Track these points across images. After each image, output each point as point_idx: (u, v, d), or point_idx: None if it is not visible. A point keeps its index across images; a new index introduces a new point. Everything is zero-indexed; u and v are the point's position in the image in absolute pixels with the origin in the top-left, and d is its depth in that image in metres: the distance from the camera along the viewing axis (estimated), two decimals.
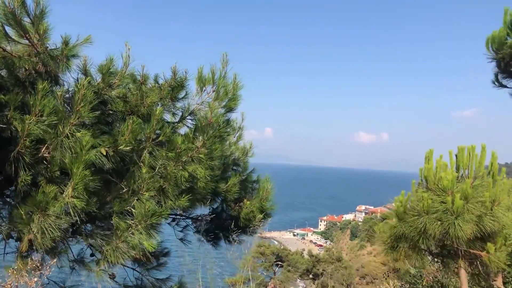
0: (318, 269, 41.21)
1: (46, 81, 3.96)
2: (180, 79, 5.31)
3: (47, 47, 4.22)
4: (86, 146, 3.83)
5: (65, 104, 4.23)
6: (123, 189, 4.51)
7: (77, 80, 4.50)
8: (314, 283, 39.57)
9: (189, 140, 4.91)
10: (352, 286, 36.71)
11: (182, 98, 5.46)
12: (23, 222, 3.92)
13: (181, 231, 7.28)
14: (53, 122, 3.94)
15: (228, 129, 5.87)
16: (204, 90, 5.59)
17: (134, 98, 4.84)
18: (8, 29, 4.10)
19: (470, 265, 6.10)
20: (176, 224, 7.32)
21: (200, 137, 4.96)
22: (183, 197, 4.84)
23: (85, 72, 4.60)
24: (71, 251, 5.47)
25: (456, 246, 5.72)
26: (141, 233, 4.33)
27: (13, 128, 3.84)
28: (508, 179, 5.99)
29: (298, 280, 43.51)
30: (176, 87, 5.31)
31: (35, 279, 4.84)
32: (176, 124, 5.48)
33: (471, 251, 5.75)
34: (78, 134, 3.99)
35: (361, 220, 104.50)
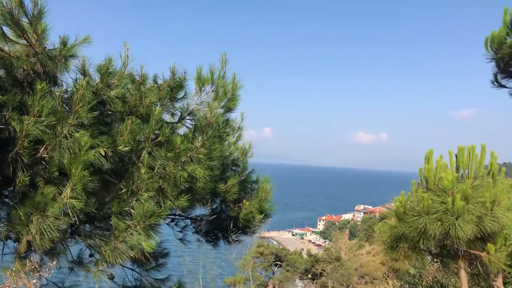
0: (317, 269, 41.22)
1: (45, 82, 3.95)
2: (179, 79, 5.30)
3: (45, 47, 4.20)
4: (85, 147, 3.81)
5: (64, 105, 4.21)
6: (122, 190, 4.49)
7: (76, 81, 4.48)
8: (313, 283, 39.57)
9: (188, 140, 4.89)
10: (351, 286, 36.71)
11: (181, 98, 5.45)
12: (22, 224, 3.90)
13: (180, 232, 7.27)
14: (52, 122, 3.92)
15: (228, 129, 5.85)
16: (203, 90, 5.57)
17: (133, 99, 4.82)
18: (6, 29, 4.09)
19: (470, 265, 6.09)
20: (175, 224, 7.31)
21: (200, 137, 4.95)
22: (182, 197, 4.82)
23: (84, 72, 4.59)
24: (70, 251, 5.46)
25: (456, 246, 5.71)
26: (139, 233, 4.31)
27: (11, 129, 3.83)
28: (506, 178, 5.98)
29: (297, 280, 43.54)
30: (175, 87, 5.30)
31: (34, 281, 4.82)
32: (175, 124, 5.46)
33: (471, 251, 5.74)
34: (77, 135, 3.97)
35: (360, 220, 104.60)
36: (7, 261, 4.76)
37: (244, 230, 6.93)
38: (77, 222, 4.08)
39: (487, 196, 5.29)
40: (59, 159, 3.95)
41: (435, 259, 6.93)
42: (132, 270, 6.48)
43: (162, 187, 4.67)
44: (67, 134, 3.97)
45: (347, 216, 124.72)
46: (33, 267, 4.64)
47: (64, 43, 4.24)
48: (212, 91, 5.55)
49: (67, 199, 3.84)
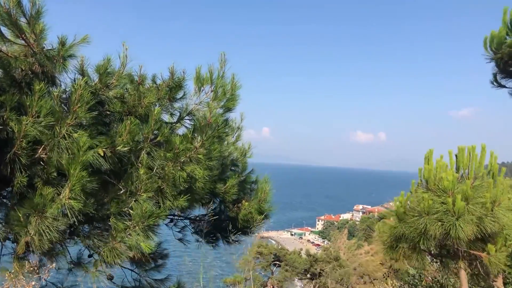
0: (315, 269, 41.18)
1: (43, 82, 3.93)
2: (178, 79, 5.28)
3: (44, 47, 4.18)
4: (84, 147, 3.79)
5: (62, 105, 4.19)
6: (121, 190, 4.47)
7: (74, 81, 4.46)
8: (312, 283, 39.56)
9: (187, 141, 4.88)
10: (350, 286, 36.71)
11: (180, 98, 5.43)
12: (20, 225, 3.88)
13: (179, 232, 7.26)
14: (50, 123, 3.90)
15: (227, 130, 5.83)
16: (202, 90, 5.55)
17: (132, 99, 4.80)
18: (4, 29, 4.06)
19: (470, 266, 6.08)
20: (174, 225, 7.30)
21: (199, 138, 4.93)
22: (182, 198, 4.81)
23: (82, 73, 4.56)
24: (69, 252, 5.44)
25: (456, 247, 5.70)
26: (138, 234, 4.30)
27: (9, 129, 3.80)
28: (506, 178, 5.97)
29: (296, 279, 43.50)
30: (174, 87, 5.28)
31: (33, 283, 4.80)
32: (174, 124, 5.45)
33: (472, 252, 5.74)
34: (75, 135, 3.95)
35: (359, 220, 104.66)
36: (6, 261, 4.73)
37: (243, 231, 6.92)
38: (76, 223, 4.06)
39: (488, 196, 5.28)
40: (58, 160, 3.93)
41: (435, 259, 6.93)
42: (131, 270, 6.46)
43: (161, 187, 4.66)
44: (65, 134, 3.94)
45: (346, 216, 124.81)
46: (32, 268, 4.62)
47: (62, 43, 4.22)
48: (211, 91, 5.53)
49: (65, 200, 3.82)
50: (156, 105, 5.01)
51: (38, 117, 3.84)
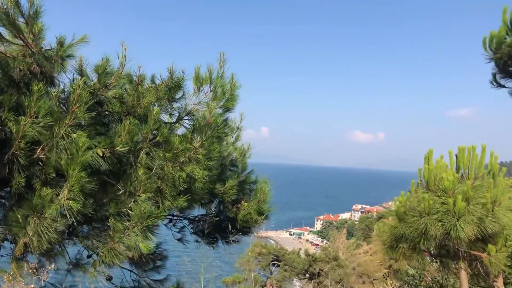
0: (314, 269, 41.18)
1: (41, 82, 3.90)
2: (177, 79, 5.26)
3: (42, 47, 4.15)
4: (82, 148, 3.77)
5: (61, 105, 4.17)
6: (120, 191, 4.46)
7: (73, 81, 4.44)
8: (311, 283, 39.57)
9: (186, 141, 4.86)
10: (348, 285, 36.72)
11: (179, 98, 5.41)
12: (19, 226, 3.86)
13: (178, 232, 7.25)
14: (49, 123, 3.88)
15: (226, 130, 5.81)
16: (202, 90, 5.53)
17: (131, 99, 4.78)
18: (2, 29, 4.04)
19: (470, 266, 6.08)
20: (173, 225, 7.28)
21: (198, 138, 4.91)
22: (181, 198, 4.79)
23: (81, 73, 4.54)
24: (67, 253, 5.42)
25: (457, 247, 5.70)
26: (137, 234, 4.28)
27: (8, 130, 3.78)
28: (505, 178, 5.96)
29: (295, 279, 43.49)
30: (173, 87, 5.26)
31: (32, 286, 4.78)
32: (173, 124, 5.42)
33: (472, 252, 5.73)
34: (74, 135, 3.93)
35: (357, 220, 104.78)
36: (4, 261, 4.71)
37: (243, 231, 6.90)
38: (75, 224, 4.04)
39: (488, 196, 5.27)
40: (56, 160, 3.91)
41: (435, 260, 6.92)
42: (130, 271, 6.45)
43: (161, 187, 4.64)
44: (64, 134, 3.92)
45: (345, 216, 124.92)
46: (30, 270, 4.60)
47: (60, 43, 4.20)
48: (211, 91, 5.51)
49: (64, 201, 3.80)
50: (155, 105, 4.99)
51: (37, 117, 3.82)
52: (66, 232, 4.53)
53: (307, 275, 41.61)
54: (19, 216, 3.85)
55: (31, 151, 3.91)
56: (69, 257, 5.55)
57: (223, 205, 6.74)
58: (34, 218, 3.81)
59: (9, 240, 4.36)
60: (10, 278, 4.41)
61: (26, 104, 3.80)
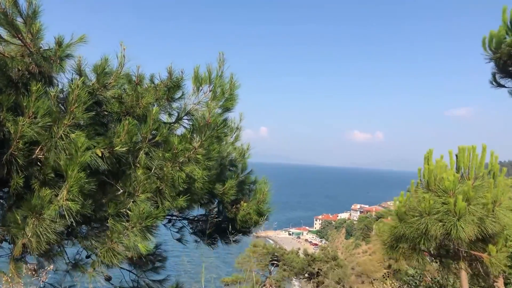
0: (313, 268, 41.16)
1: (40, 82, 3.88)
2: (176, 79, 5.24)
3: (40, 47, 4.13)
4: (82, 148, 3.75)
5: (59, 105, 4.15)
6: (119, 191, 4.44)
7: (72, 81, 4.42)
8: (309, 282, 39.57)
9: (186, 141, 4.84)
10: (347, 285, 36.73)
11: (179, 98, 5.39)
12: (18, 227, 3.84)
13: (177, 232, 7.23)
14: (47, 123, 3.86)
15: (226, 130, 5.79)
16: (201, 90, 5.51)
17: (130, 99, 4.76)
18: (0, 29, 4.02)
19: (470, 266, 6.07)
20: (172, 225, 7.27)
21: (197, 138, 4.90)
22: (181, 198, 4.78)
23: (80, 73, 4.52)
24: (66, 253, 5.40)
25: (457, 247, 5.69)
26: (136, 235, 4.27)
27: (6, 130, 3.76)
28: (506, 178, 5.95)
29: (294, 279, 43.48)
30: (172, 87, 5.24)
31: (31, 287, 4.76)
32: (172, 124, 5.41)
33: (472, 252, 5.72)
34: (73, 136, 3.91)
35: (356, 219, 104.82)
36: (3, 261, 4.69)
37: (242, 231, 6.89)
38: (74, 224, 4.02)
39: (489, 197, 5.26)
40: (55, 161, 3.89)
41: (434, 260, 6.91)
42: (129, 271, 6.44)
43: (160, 188, 4.63)
44: (63, 135, 3.90)
45: (344, 215, 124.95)
46: (30, 272, 4.58)
47: (59, 43, 4.18)
48: (210, 91, 5.49)
49: (63, 201, 3.78)
50: (154, 105, 4.97)
51: (35, 117, 3.80)
52: (65, 232, 4.51)
53: (306, 275, 41.62)
54: (18, 217, 3.83)
55: (30, 152, 3.89)
56: (67, 258, 5.53)
57: (223, 205, 6.73)
58: (33, 219, 3.79)
59: (8, 240, 4.34)
60: (9, 280, 4.39)
61: (25, 104, 3.78)
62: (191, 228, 7.26)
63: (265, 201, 6.72)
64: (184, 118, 5.47)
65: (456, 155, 5.84)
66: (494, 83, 8.56)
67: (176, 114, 5.47)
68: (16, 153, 3.78)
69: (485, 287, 6.78)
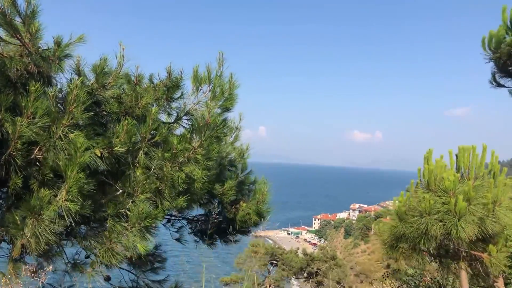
0: (312, 268, 41.17)
1: (39, 82, 3.87)
2: (175, 79, 5.23)
3: (39, 47, 4.12)
4: (81, 148, 3.74)
5: (58, 105, 4.13)
6: (118, 191, 4.42)
7: (70, 80, 4.40)
8: (308, 282, 39.59)
9: (185, 141, 4.83)
10: (346, 285, 36.75)
11: (178, 98, 5.37)
12: (17, 227, 3.82)
13: (176, 232, 7.22)
14: (46, 123, 3.85)
15: (225, 130, 5.78)
16: (200, 90, 5.49)
17: (129, 99, 4.74)
18: None
19: (470, 266, 6.06)
20: (171, 225, 7.25)
21: (197, 138, 4.88)
22: (181, 198, 4.77)
23: (79, 72, 4.51)
24: (65, 253, 5.39)
25: (457, 247, 5.68)
26: (134, 235, 4.26)
27: (4, 130, 3.74)
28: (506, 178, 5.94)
29: (293, 278, 43.48)
30: (172, 87, 5.22)
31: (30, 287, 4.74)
32: (171, 124, 5.39)
33: (472, 252, 5.71)
34: (72, 136, 3.89)
35: (355, 219, 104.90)
36: (1, 262, 4.67)
37: (241, 231, 6.88)
38: (73, 224, 4.01)
39: (489, 197, 5.25)
40: (54, 161, 3.88)
41: (434, 260, 6.91)
42: (129, 272, 6.42)
43: (160, 188, 4.61)
44: (61, 135, 3.89)
45: (342, 215, 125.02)
46: (29, 273, 4.56)
47: (58, 43, 4.16)
48: (209, 91, 5.47)
49: (62, 202, 3.77)
50: (153, 105, 4.95)
51: (34, 118, 3.78)
52: (64, 233, 4.50)
53: (305, 275, 41.63)
54: (17, 218, 3.81)
55: (28, 152, 3.88)
56: (67, 258, 5.52)
57: (222, 205, 6.71)
58: (32, 220, 3.77)
59: (6, 241, 4.32)
60: (8, 281, 4.36)
61: (23, 104, 3.77)
62: (190, 228, 7.24)
63: (265, 202, 6.71)
64: (183, 118, 5.45)
65: (456, 155, 5.83)
66: (493, 82, 8.56)
67: (176, 114, 5.45)
68: (14, 153, 3.77)
69: (485, 287, 6.78)
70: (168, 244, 7.19)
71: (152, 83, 5.21)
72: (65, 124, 3.89)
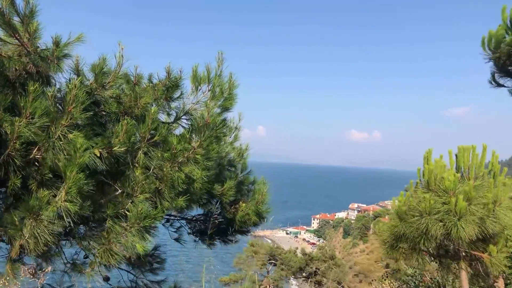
0: (311, 268, 41.17)
1: (37, 82, 3.85)
2: (174, 79, 5.21)
3: (38, 47, 4.10)
4: (81, 149, 3.72)
5: (57, 105, 4.12)
6: (118, 191, 4.41)
7: (69, 80, 4.38)
8: (307, 282, 39.59)
9: (185, 140, 4.81)
10: (345, 284, 36.76)
11: (177, 98, 5.36)
12: (15, 228, 3.81)
13: (175, 232, 7.21)
14: (45, 123, 3.83)
15: (225, 129, 5.76)
16: (200, 90, 5.48)
17: (128, 99, 4.73)
18: None
19: (470, 266, 6.06)
20: (170, 225, 7.24)
21: (196, 137, 4.87)
22: (180, 199, 4.76)
23: (78, 72, 4.49)
24: (64, 253, 5.37)
25: (457, 247, 5.68)
26: (134, 235, 4.24)
27: (3, 130, 3.73)
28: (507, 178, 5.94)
29: (292, 278, 43.49)
30: (171, 86, 5.21)
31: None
32: (171, 124, 5.37)
33: (472, 252, 5.71)
34: (71, 136, 3.88)
35: (354, 218, 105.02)
36: (0, 262, 4.65)
37: (241, 231, 6.87)
38: (72, 225, 3.99)
39: (489, 196, 5.25)
40: (53, 161, 3.86)
41: (434, 260, 6.91)
42: (128, 272, 6.42)
43: (159, 188, 4.60)
44: (60, 135, 3.87)
45: (341, 215, 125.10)
46: (28, 274, 4.55)
47: (56, 43, 4.14)
48: (209, 90, 5.46)
49: (61, 202, 3.75)
50: (152, 105, 4.94)
51: (33, 118, 3.77)
52: (63, 233, 4.48)
53: (304, 274, 41.64)
54: (16, 218, 3.80)
55: (27, 152, 3.86)
56: (65, 258, 5.50)
57: (221, 205, 6.70)
58: (31, 220, 3.76)
59: (5, 241, 4.31)
60: (6, 282, 4.35)
61: (22, 104, 3.75)
62: (189, 228, 7.24)
63: (264, 202, 6.70)
64: (183, 117, 5.44)
65: (456, 155, 5.83)
66: (493, 82, 8.56)
67: (175, 114, 5.44)
68: (13, 153, 3.75)
69: (485, 287, 6.78)
70: (167, 244, 7.19)
71: (151, 83, 5.20)
72: (64, 124, 3.88)
